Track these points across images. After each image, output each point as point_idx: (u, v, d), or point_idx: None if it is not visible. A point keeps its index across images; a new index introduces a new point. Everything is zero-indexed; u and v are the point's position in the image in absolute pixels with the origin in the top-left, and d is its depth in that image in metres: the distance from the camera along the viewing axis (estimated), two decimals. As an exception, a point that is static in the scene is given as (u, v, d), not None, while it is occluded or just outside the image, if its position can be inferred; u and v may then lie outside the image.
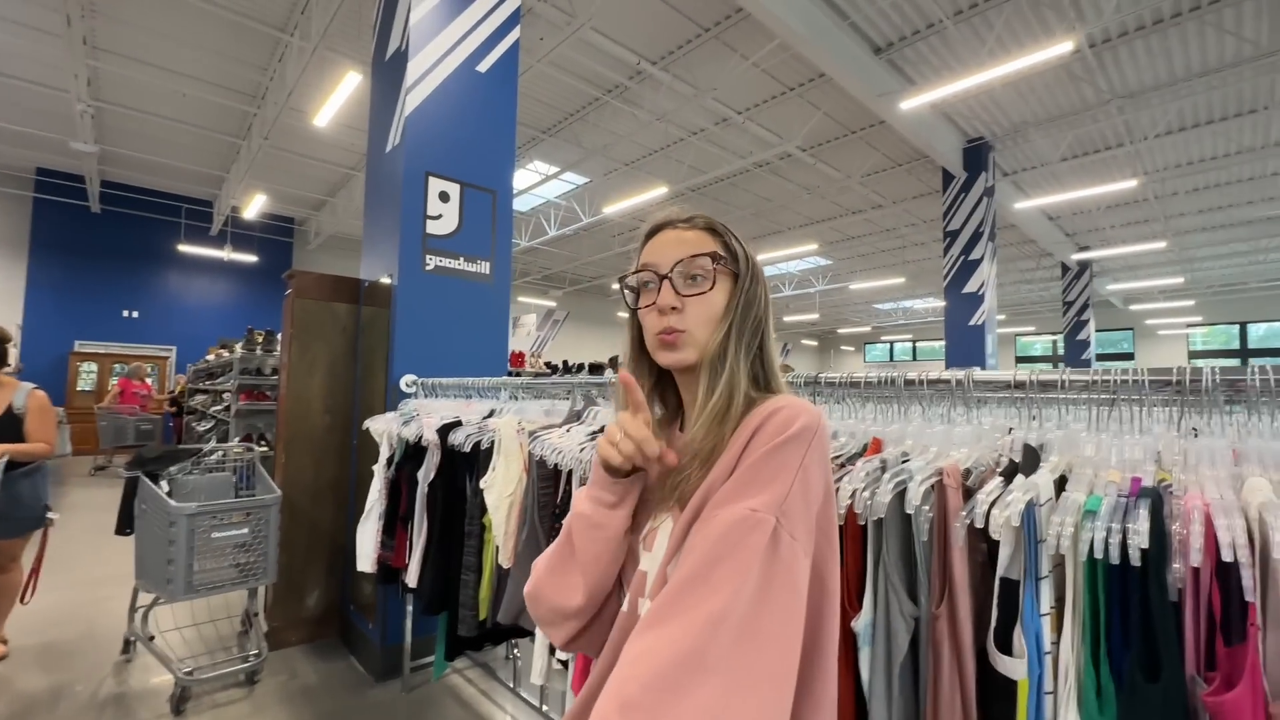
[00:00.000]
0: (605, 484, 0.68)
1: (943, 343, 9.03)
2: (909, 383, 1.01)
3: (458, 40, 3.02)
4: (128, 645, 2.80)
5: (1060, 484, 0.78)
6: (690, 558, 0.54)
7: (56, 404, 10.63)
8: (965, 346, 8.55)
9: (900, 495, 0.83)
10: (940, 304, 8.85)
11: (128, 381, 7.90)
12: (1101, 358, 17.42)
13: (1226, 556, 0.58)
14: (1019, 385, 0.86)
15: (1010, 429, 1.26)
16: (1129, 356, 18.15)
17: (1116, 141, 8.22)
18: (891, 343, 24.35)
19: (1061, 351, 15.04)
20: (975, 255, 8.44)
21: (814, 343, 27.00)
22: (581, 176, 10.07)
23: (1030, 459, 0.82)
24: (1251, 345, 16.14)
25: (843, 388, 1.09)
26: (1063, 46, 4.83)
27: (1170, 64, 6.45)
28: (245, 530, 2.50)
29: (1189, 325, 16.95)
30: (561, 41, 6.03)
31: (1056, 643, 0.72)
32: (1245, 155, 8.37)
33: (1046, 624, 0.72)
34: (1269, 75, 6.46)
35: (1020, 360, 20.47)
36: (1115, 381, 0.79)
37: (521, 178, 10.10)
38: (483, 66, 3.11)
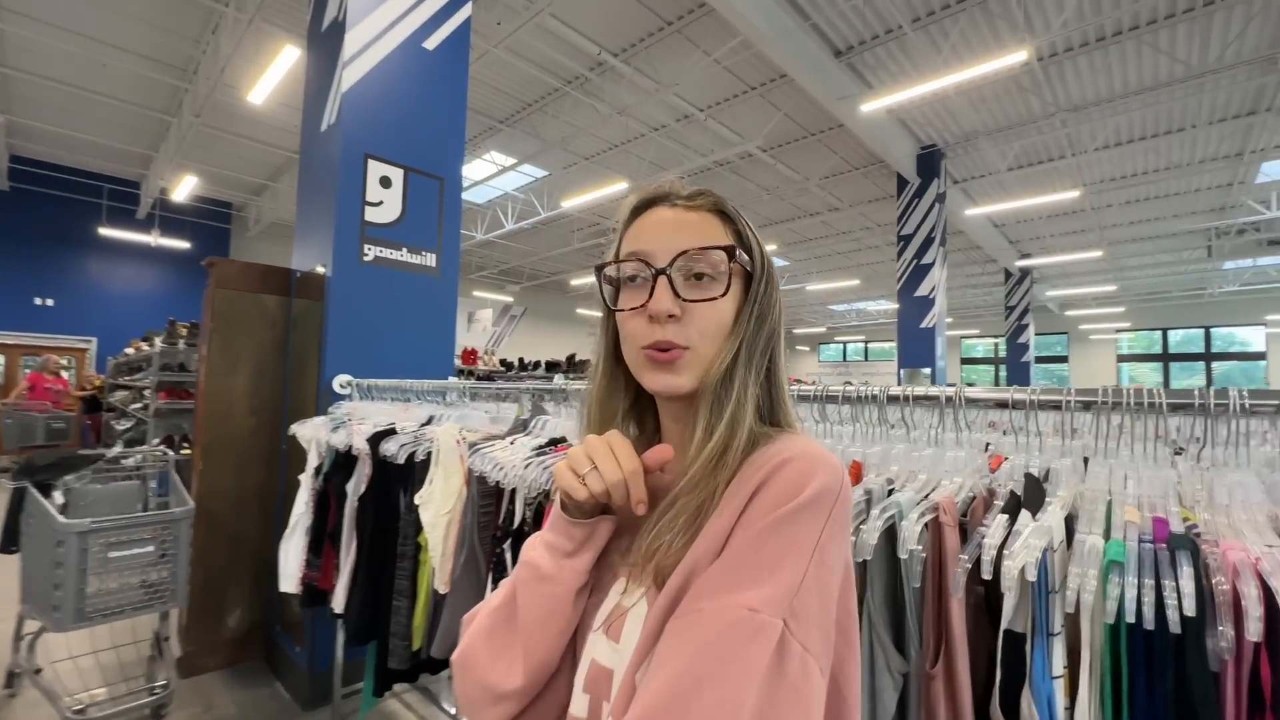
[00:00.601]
0: (564, 528, 0.54)
1: (894, 344, 9.22)
2: (892, 399, 0.90)
3: (403, 13, 2.79)
4: (11, 679, 2.48)
5: (1068, 522, 0.68)
6: (664, 673, 0.39)
7: (-49, 400, 9.64)
8: (916, 348, 8.75)
9: (888, 532, 0.72)
10: (892, 306, 9.04)
11: (39, 375, 7.19)
12: (1039, 360, 18.27)
13: None
14: (1017, 404, 0.77)
15: (988, 444, 1.17)
16: (1064, 359, 19.11)
17: (1059, 153, 8.55)
18: (845, 343, 24.92)
19: (1003, 354, 15.68)
20: (927, 260, 8.64)
21: (771, 342, 27.34)
22: (540, 169, 9.81)
23: (1034, 491, 0.72)
24: (1171, 350, 17.23)
25: (818, 401, 0.98)
26: (1016, 56, 4.93)
27: (1110, 80, 6.72)
28: (151, 548, 2.23)
29: (1118, 330, 17.95)
30: (520, 27, 5.80)
31: (1070, 709, 0.62)
32: (1174, 171, 8.86)
33: (1059, 687, 0.62)
34: (1197, 96, 6.81)
35: (965, 362, 21.27)
36: (1128, 403, 0.70)
37: (478, 168, 9.76)
38: (430, 43, 2.90)
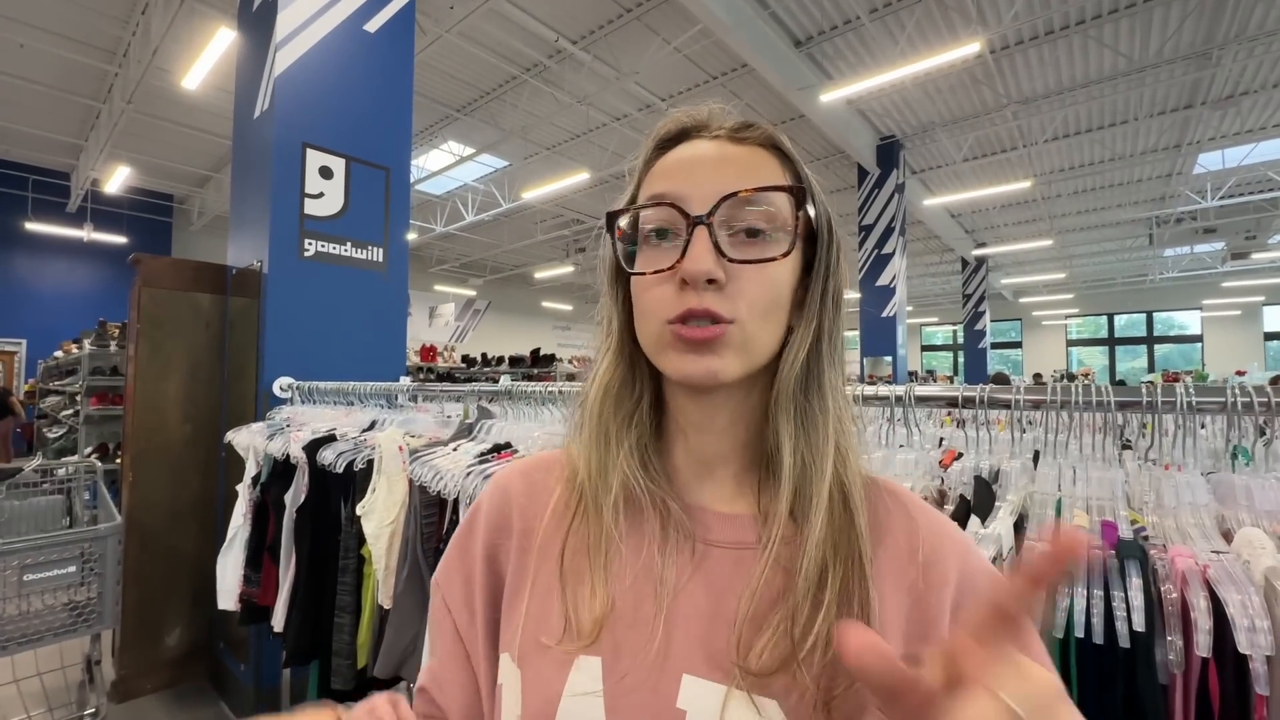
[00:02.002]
0: None
1: (857, 332, 9.38)
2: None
3: (340, -7, 2.64)
4: (-78, 713, 2.29)
5: (1018, 526, 0.66)
6: None
7: None
8: (878, 337, 8.91)
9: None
10: (854, 295, 9.19)
11: None
12: (995, 346, 18.91)
13: (1244, 647, 0.47)
14: (968, 402, 0.74)
15: (941, 440, 1.15)
16: (1018, 345, 19.82)
17: (1012, 145, 8.78)
18: (810, 332, 25.32)
19: (961, 340, 16.16)
20: (888, 250, 8.79)
21: (737, 332, 27.62)
22: (500, 159, 9.60)
23: (984, 495, 0.70)
24: (1117, 334, 18.04)
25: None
26: (969, 48, 5.01)
27: (1059, 73, 6.91)
28: (73, 569, 2.08)
29: (1067, 316, 18.70)
30: (473, 10, 5.62)
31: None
32: (1118, 162, 9.20)
33: None
34: (1138, 89, 7.07)
35: (925, 349, 21.86)
36: (1076, 401, 0.68)
37: (435, 158, 9.49)
38: (372, 26, 2.75)
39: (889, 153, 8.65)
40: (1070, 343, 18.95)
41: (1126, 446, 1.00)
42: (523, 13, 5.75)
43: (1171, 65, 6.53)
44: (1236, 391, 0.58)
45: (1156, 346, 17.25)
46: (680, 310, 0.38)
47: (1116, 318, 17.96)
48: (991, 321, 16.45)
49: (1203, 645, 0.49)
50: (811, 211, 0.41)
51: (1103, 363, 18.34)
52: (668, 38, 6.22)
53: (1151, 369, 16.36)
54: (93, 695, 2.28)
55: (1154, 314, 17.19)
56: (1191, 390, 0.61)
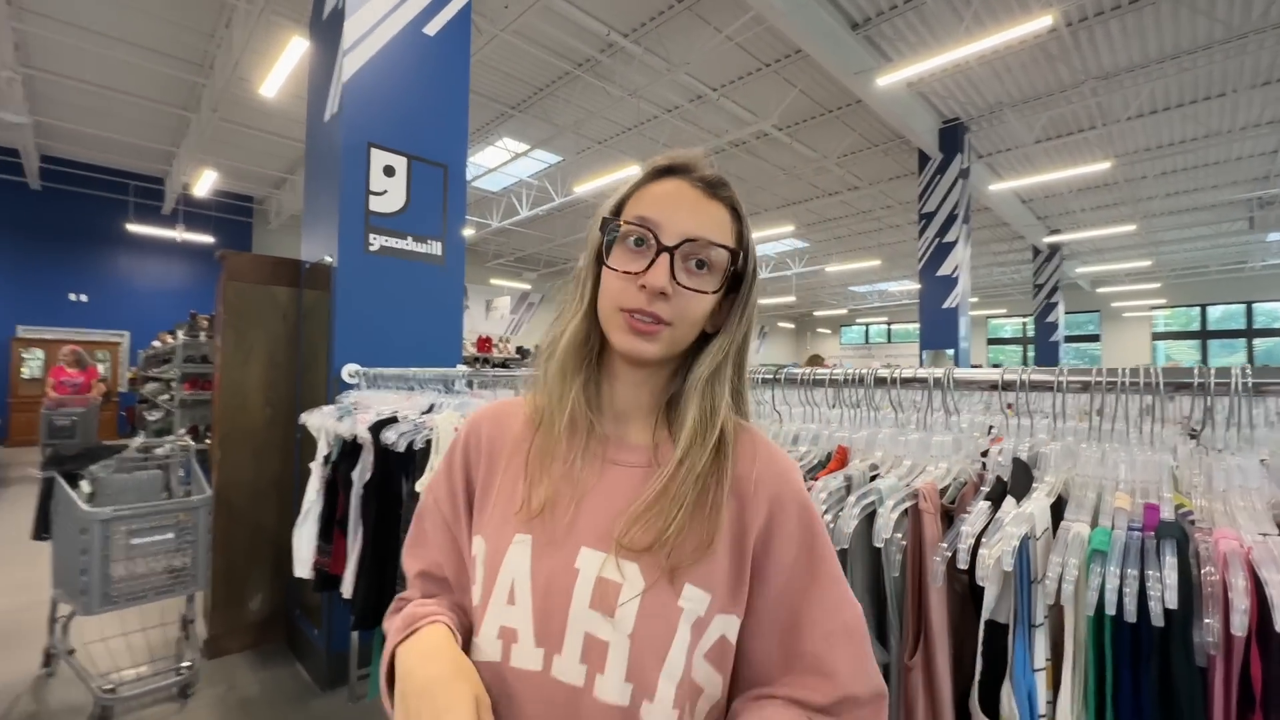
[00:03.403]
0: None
1: (918, 325, 9.04)
2: (880, 382, 0.87)
3: (402, -1, 2.77)
4: (49, 659, 2.59)
5: (1057, 508, 0.65)
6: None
7: (-1, 393, 10.02)
8: (939, 329, 8.56)
9: (868, 521, 0.69)
10: (916, 286, 8.83)
11: (59, 369, 7.33)
12: (1070, 339, 17.77)
13: None
14: (1007, 385, 0.73)
15: (991, 427, 1.13)
16: (1095, 339, 18.55)
17: (1090, 124, 8.20)
18: (867, 325, 24.52)
19: (1031, 334, 15.28)
20: (950, 238, 8.41)
21: (791, 325, 27.08)
22: (553, 155, 9.76)
23: (1021, 477, 0.69)
24: (1211, 327, 16.58)
25: (805, 385, 0.95)
26: (1041, 22, 4.72)
27: (1144, 45, 6.40)
28: (171, 535, 2.30)
29: (1153, 308, 17.33)
30: (527, 9, 5.74)
31: (1053, 703, 0.60)
32: (1212, 139, 8.44)
33: (1041, 681, 0.59)
34: (1238, 58, 6.45)
35: (991, 343, 20.79)
36: (1123, 383, 0.66)
37: (490, 155, 9.75)
38: (430, 29, 2.87)
39: (953, 136, 8.25)
40: (1156, 336, 17.57)
41: (1193, 436, 0.95)
42: (574, 7, 5.82)
43: (1279, 30, 5.93)
44: None
45: (1257, 340, 15.76)
46: (635, 305, 0.54)
47: (1210, 309, 16.50)
48: (1066, 313, 15.46)
49: (1237, 625, 0.47)
50: (743, 264, 0.58)
51: (1194, 358, 16.91)
52: (719, 26, 6.16)
53: (1250, 364, 14.92)
54: (188, 650, 2.52)
55: (1254, 305, 15.70)
56: (1249, 372, 0.58)
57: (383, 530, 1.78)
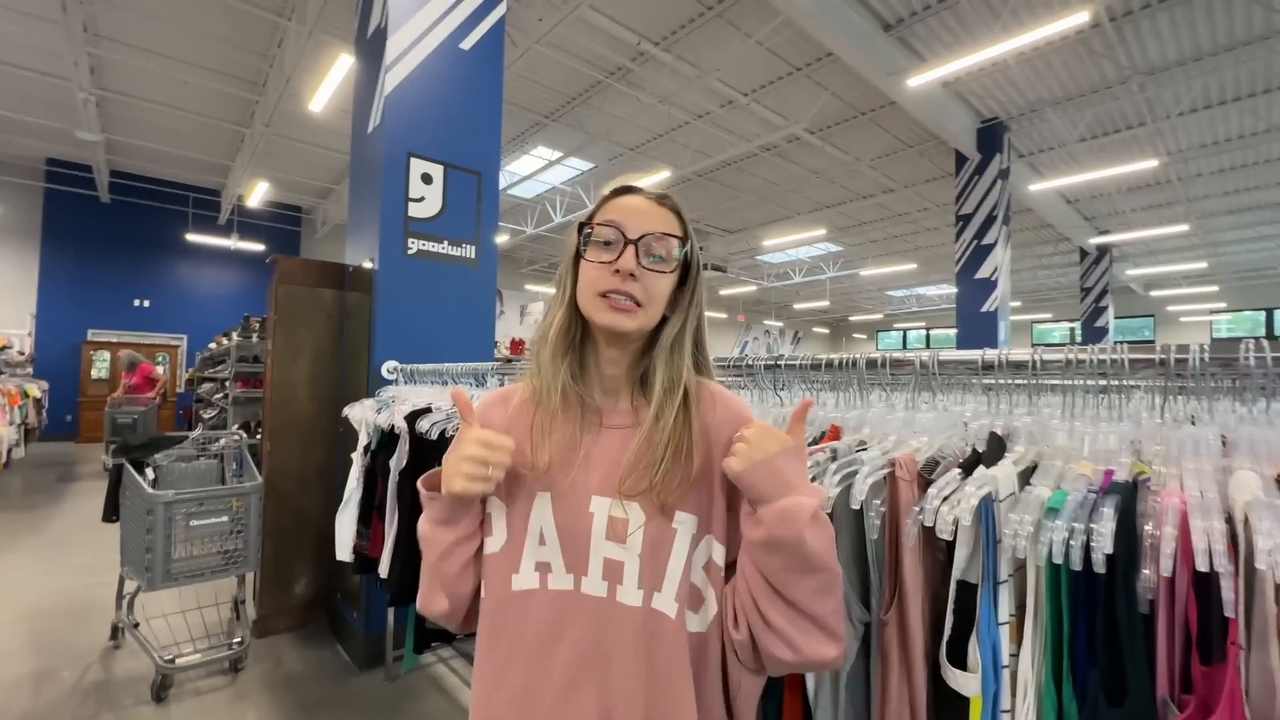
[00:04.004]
0: (449, 513, 0.70)
1: (954, 331, 8.84)
2: (871, 364, 0.92)
3: (439, 16, 2.92)
4: (116, 632, 2.81)
5: (1028, 476, 0.69)
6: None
7: (70, 393, 10.73)
8: (977, 333, 8.36)
9: (848, 489, 0.75)
10: (954, 290, 8.64)
11: (127, 373, 7.85)
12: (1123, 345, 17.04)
13: (1201, 565, 0.50)
14: (988, 366, 0.77)
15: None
16: (1150, 345, 17.72)
17: (1137, 120, 7.92)
18: (905, 330, 24.01)
19: (1079, 339, 14.71)
20: (988, 240, 8.22)
21: (825, 330, 26.71)
22: (586, 162, 9.94)
23: (995, 449, 0.73)
24: (1279, 332, 15.66)
25: (802, 370, 1.01)
26: (1078, 18, 4.62)
27: (1195, 38, 6.17)
28: (225, 519, 2.48)
29: (1213, 312, 16.48)
30: (560, 21, 5.90)
31: (1016, 655, 0.64)
32: (1274, 134, 8.04)
33: (1005, 634, 0.64)
34: (1301, 48, 6.16)
35: (1037, 348, 20.06)
36: (1093, 361, 0.70)
37: (525, 163, 9.99)
38: (466, 44, 3.02)
39: (991, 136, 8.08)
40: (1217, 341, 16.68)
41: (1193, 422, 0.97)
42: (606, 18, 5.96)
43: (1342, 18, 5.64)
44: (1251, 348, 0.58)
45: (1330, 346, 14.78)
46: (611, 286, 0.68)
47: (1278, 313, 15.60)
48: (1117, 318, 14.84)
49: (1165, 568, 0.52)
50: (689, 252, 0.73)
51: (1258, 365, 15.93)
52: (749, 32, 6.21)
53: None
54: (239, 629, 2.70)
55: (1327, 308, 14.76)
56: (1206, 350, 0.61)
57: (417, 512, 1.89)
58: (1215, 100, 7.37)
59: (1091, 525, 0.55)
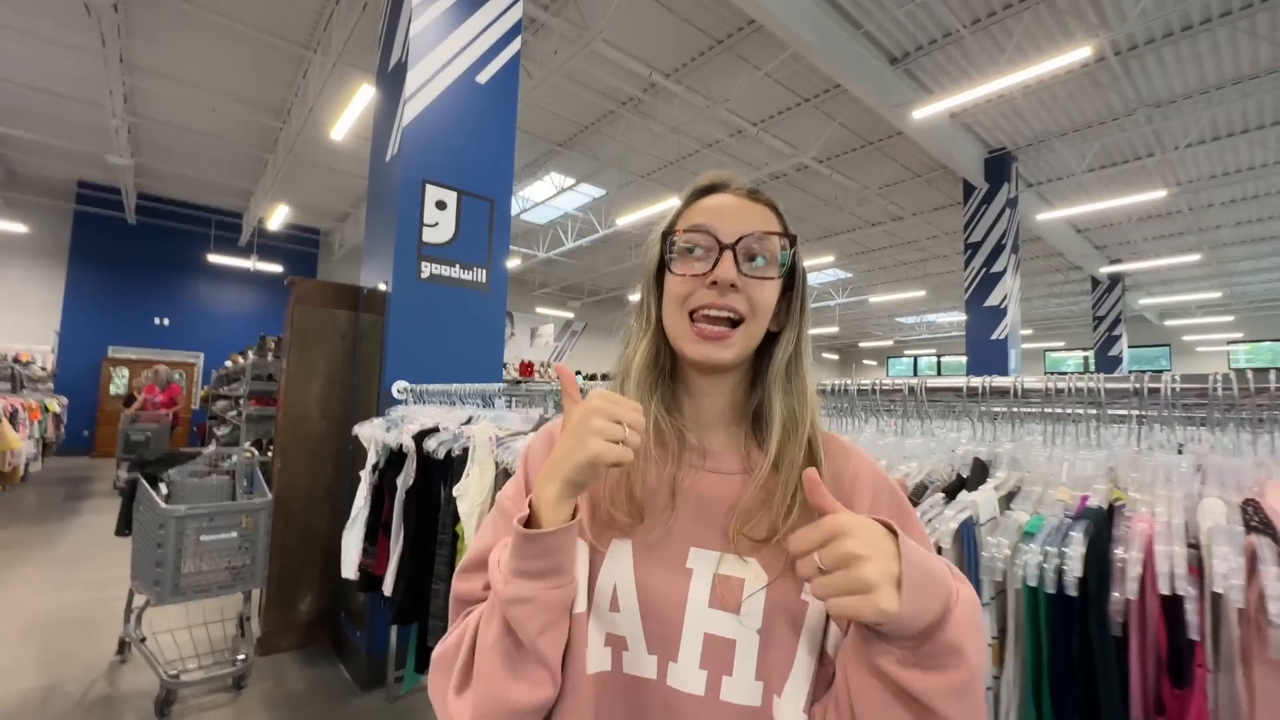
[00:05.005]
0: (534, 551, 0.48)
1: (964, 358, 8.80)
2: (862, 391, 0.95)
3: (457, 52, 3.05)
4: (123, 646, 2.83)
5: (1009, 501, 0.71)
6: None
7: (89, 409, 10.90)
8: (987, 361, 8.32)
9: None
10: (964, 317, 8.64)
11: (151, 388, 7.99)
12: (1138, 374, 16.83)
13: (1163, 588, 0.51)
14: (971, 392, 0.80)
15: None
16: (1125, 376, 17.48)
17: (1146, 151, 7.97)
18: (915, 357, 23.87)
19: (1093, 368, 14.55)
20: (997, 268, 8.24)
21: (835, 356, 26.62)
22: (598, 188, 10.13)
23: (979, 474, 0.76)
24: (1298, 363, 15.42)
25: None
26: (1080, 52, 4.71)
27: (1201, 71, 6.24)
28: (235, 534, 2.51)
29: (1229, 342, 16.26)
30: (574, 54, 6.08)
31: (998, 677, 0.65)
32: (1285, 165, 8.05)
33: (988, 656, 0.65)
34: (1309, 81, 6.20)
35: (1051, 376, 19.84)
36: (1071, 390, 0.72)
37: (538, 189, 10.20)
38: (482, 78, 3.14)
39: (999, 165, 8.16)
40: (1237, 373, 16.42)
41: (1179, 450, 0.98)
42: (618, 51, 6.14)
43: (1348, 53, 5.69)
44: (1219, 379, 0.60)
45: (1352, 379, 14.50)
46: (706, 301, 0.56)
47: (1297, 344, 15.36)
48: (1131, 347, 14.69)
49: (1130, 590, 0.53)
50: (793, 252, 0.60)
51: None
52: (758, 64, 6.36)
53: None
54: (243, 645, 2.71)
55: (1347, 340, 14.53)
56: (1177, 380, 0.64)
57: (422, 531, 1.92)
58: (1224, 132, 7.41)
59: (1063, 549, 0.57)
